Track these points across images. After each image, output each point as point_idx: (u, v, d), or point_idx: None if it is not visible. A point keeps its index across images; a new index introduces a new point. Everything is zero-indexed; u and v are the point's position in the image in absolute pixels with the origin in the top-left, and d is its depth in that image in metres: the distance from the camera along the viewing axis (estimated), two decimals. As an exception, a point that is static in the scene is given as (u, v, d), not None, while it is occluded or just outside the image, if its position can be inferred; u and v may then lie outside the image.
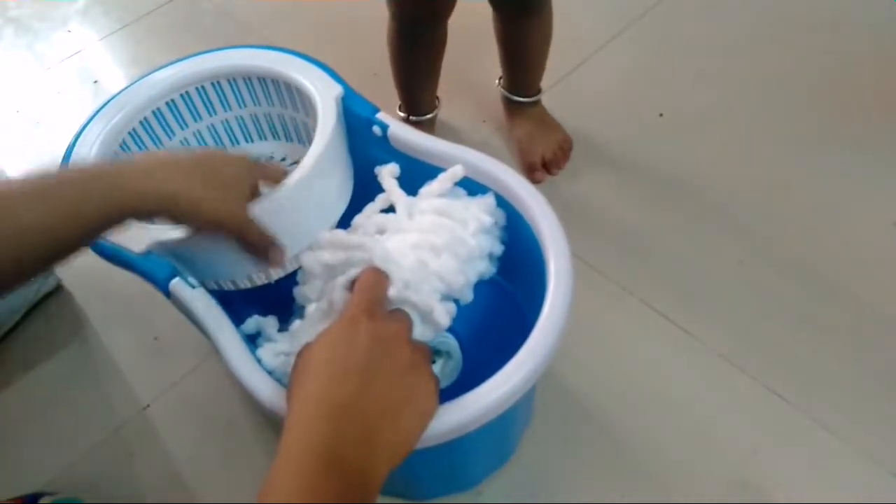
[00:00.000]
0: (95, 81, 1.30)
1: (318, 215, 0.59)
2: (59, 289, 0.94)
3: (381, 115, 0.63)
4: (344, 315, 0.42)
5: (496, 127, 1.05)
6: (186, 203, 0.46)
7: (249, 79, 0.70)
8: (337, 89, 0.64)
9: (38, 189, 0.41)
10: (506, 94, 1.00)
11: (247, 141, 0.77)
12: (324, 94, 0.63)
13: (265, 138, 0.77)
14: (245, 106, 0.73)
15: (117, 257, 0.55)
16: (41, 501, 0.66)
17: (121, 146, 0.65)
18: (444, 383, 0.62)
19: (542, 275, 0.52)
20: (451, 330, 0.64)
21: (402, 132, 0.62)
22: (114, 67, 1.34)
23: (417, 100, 0.99)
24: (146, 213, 0.45)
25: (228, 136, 0.76)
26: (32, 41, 1.43)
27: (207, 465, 0.76)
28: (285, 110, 0.73)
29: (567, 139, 1.00)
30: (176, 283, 0.53)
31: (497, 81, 1.02)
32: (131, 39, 1.39)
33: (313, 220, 0.58)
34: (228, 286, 0.60)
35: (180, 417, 0.80)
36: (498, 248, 0.57)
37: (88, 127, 0.65)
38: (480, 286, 0.54)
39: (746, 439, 0.72)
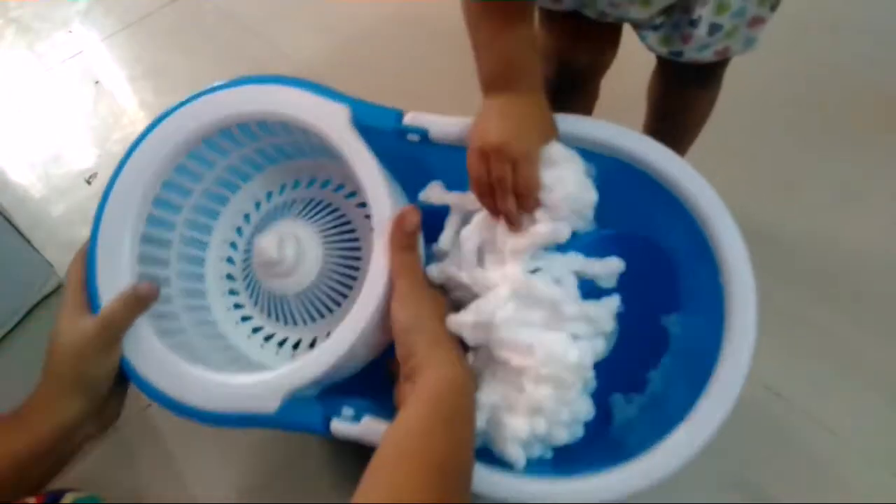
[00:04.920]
0: (97, 82, 1.31)
1: None
2: (60, 289, 0.94)
3: (409, 118, 0.55)
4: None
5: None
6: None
7: (246, 125, 0.59)
8: (343, 112, 0.54)
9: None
10: None
11: (272, 162, 0.65)
12: (332, 126, 0.54)
13: (287, 160, 0.66)
14: (257, 140, 0.62)
15: (255, 422, 0.51)
16: (63, 500, 0.66)
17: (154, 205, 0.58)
18: (606, 353, 0.55)
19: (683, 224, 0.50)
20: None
21: (446, 127, 0.54)
22: (115, 68, 1.34)
23: None
24: None
25: (251, 166, 0.65)
26: (33, 41, 1.43)
27: (207, 464, 0.76)
28: (294, 138, 0.62)
29: None
30: (337, 426, 0.50)
31: None
32: (133, 40, 1.39)
33: None
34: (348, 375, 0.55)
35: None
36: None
37: (111, 195, 0.57)
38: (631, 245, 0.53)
39: (746, 439, 0.72)
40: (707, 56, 0.66)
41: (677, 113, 0.81)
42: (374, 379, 0.54)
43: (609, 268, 0.52)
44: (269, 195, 0.66)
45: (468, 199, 0.53)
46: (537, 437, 0.47)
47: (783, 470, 0.70)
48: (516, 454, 0.46)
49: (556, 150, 0.51)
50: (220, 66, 1.29)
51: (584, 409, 0.49)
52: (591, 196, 0.52)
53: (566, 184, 0.50)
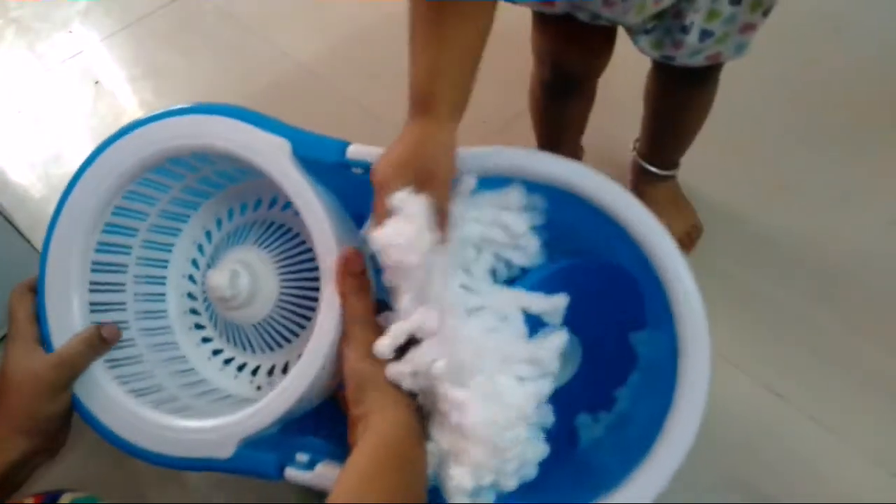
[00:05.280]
0: (96, 82, 1.31)
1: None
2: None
3: (353, 151, 0.52)
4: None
5: (498, 128, 1.04)
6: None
7: (183, 159, 0.56)
8: (284, 145, 0.51)
9: None
10: (641, 162, 0.89)
11: (219, 188, 0.62)
12: (271, 159, 0.51)
13: (236, 181, 0.63)
14: (197, 171, 0.59)
15: (209, 468, 0.50)
16: (61, 500, 0.66)
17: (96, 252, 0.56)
18: (566, 376, 0.56)
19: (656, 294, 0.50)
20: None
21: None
22: (115, 68, 1.34)
23: (561, 153, 0.89)
24: None
25: (197, 196, 0.62)
26: (33, 42, 1.43)
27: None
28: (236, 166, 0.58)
29: (698, 226, 0.89)
30: (291, 473, 0.49)
31: (632, 145, 0.92)
32: (132, 40, 1.39)
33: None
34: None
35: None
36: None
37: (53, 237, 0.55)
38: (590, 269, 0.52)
39: (746, 439, 0.72)
40: (698, 61, 0.67)
41: (674, 113, 0.81)
42: (331, 409, 0.53)
43: (554, 304, 0.51)
44: (219, 223, 0.63)
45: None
46: (483, 488, 0.45)
47: (783, 470, 0.70)
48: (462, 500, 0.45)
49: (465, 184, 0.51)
50: (220, 66, 1.29)
51: (534, 453, 0.48)
52: (518, 227, 0.51)
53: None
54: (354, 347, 0.47)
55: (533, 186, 0.53)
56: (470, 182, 0.51)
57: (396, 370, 0.47)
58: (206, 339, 0.62)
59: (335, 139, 0.52)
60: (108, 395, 0.52)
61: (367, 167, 0.50)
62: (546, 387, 0.49)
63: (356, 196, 0.52)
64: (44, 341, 0.53)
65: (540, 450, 0.48)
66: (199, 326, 0.63)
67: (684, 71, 0.69)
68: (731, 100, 1.04)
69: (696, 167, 0.95)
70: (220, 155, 0.53)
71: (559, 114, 0.85)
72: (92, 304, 0.55)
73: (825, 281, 0.84)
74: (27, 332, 0.52)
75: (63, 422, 0.53)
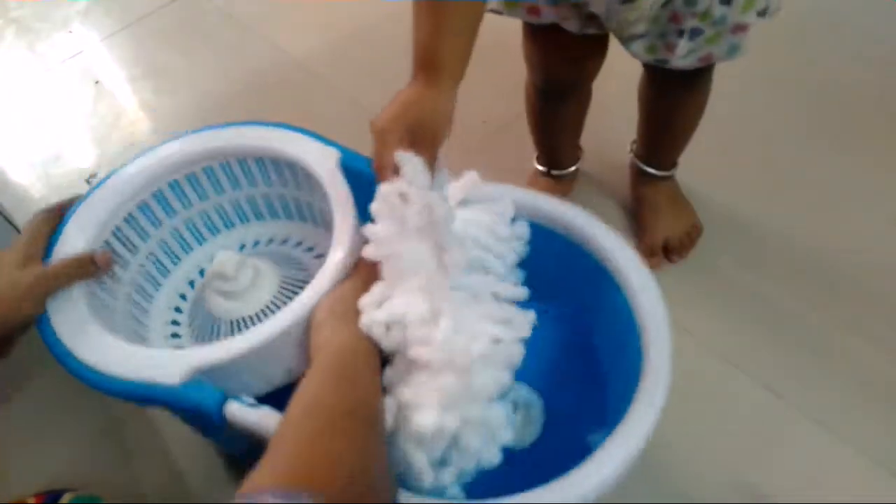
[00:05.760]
0: (97, 82, 1.31)
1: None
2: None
3: None
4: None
5: (498, 128, 1.05)
6: None
7: (244, 160, 0.64)
8: (333, 154, 0.59)
9: None
10: (638, 163, 0.89)
11: (243, 222, 0.70)
12: (322, 164, 0.59)
13: (264, 218, 0.70)
14: (240, 188, 0.67)
15: (152, 396, 0.48)
16: (62, 501, 0.66)
17: (114, 232, 0.60)
18: (531, 436, 0.57)
19: (614, 306, 0.51)
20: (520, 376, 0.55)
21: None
22: (115, 68, 1.34)
23: (559, 155, 0.91)
24: None
25: (222, 219, 0.69)
26: (33, 42, 1.43)
27: (208, 464, 0.76)
28: (286, 189, 0.67)
29: (697, 225, 0.89)
30: (233, 408, 0.47)
31: (629, 147, 0.92)
32: (133, 40, 1.39)
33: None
34: (261, 390, 0.54)
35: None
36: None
37: (79, 209, 0.59)
38: (547, 326, 0.53)
39: (746, 439, 0.72)
40: (691, 62, 0.67)
41: (668, 116, 0.81)
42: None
43: (521, 294, 0.53)
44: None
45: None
46: (445, 435, 0.44)
47: (783, 470, 0.70)
48: (420, 461, 0.44)
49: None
50: (220, 66, 1.29)
51: (497, 417, 0.47)
52: (502, 232, 0.54)
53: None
54: (333, 295, 0.50)
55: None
56: (474, 178, 0.55)
57: (370, 318, 0.48)
58: (175, 336, 0.64)
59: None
60: (77, 315, 0.52)
61: None
62: (517, 353, 0.49)
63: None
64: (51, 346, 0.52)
65: (501, 419, 0.48)
66: (174, 322, 0.65)
67: (676, 73, 0.69)
68: (730, 100, 1.04)
69: (695, 167, 0.95)
70: (281, 159, 0.62)
71: (554, 117, 0.86)
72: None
73: (825, 280, 0.84)
74: (33, 248, 0.54)
75: (19, 333, 0.53)
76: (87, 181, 1.11)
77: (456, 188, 0.55)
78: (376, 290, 0.49)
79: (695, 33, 0.63)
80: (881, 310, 0.80)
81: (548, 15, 0.67)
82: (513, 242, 0.55)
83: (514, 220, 0.56)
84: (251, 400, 0.49)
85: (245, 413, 0.47)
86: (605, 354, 0.60)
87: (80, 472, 0.77)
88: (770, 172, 0.96)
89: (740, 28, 0.63)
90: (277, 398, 0.49)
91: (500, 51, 0.99)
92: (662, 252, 0.87)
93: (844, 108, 1.02)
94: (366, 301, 0.49)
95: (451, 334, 0.45)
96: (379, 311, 0.48)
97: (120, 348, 0.51)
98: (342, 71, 1.21)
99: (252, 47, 1.31)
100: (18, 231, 0.90)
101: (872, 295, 0.82)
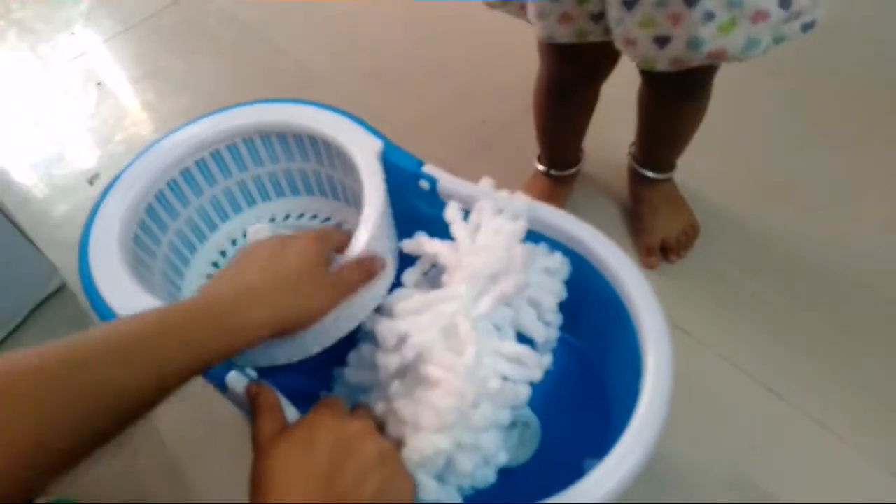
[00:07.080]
0: (99, 83, 1.31)
1: (371, 289, 0.53)
2: (62, 288, 0.95)
3: (427, 168, 0.59)
4: (305, 418, 0.42)
5: (498, 128, 1.05)
6: (300, 318, 0.44)
7: (284, 136, 0.66)
8: (376, 144, 0.60)
9: (130, 349, 0.38)
10: (637, 167, 0.89)
11: (279, 195, 0.72)
12: (364, 152, 0.59)
13: (298, 193, 0.73)
14: (278, 161, 0.69)
15: None
16: (37, 500, 0.66)
17: (147, 210, 0.61)
18: (525, 455, 0.58)
19: (624, 336, 0.51)
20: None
21: (452, 185, 0.58)
22: (117, 69, 1.35)
23: (563, 155, 0.92)
24: (256, 344, 0.42)
25: (260, 191, 0.71)
26: (36, 43, 1.44)
27: (208, 464, 0.77)
28: (321, 167, 0.68)
29: (695, 225, 0.89)
30: (233, 378, 0.48)
31: (628, 150, 0.92)
32: (135, 42, 1.40)
33: (366, 296, 0.53)
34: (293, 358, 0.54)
35: (182, 416, 0.81)
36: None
37: (114, 188, 0.60)
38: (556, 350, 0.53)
39: (746, 439, 0.72)
40: (699, 57, 0.61)
41: (666, 123, 0.81)
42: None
43: (547, 334, 0.54)
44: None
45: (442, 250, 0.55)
46: (440, 457, 0.44)
47: (783, 470, 0.70)
48: (422, 479, 0.44)
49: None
50: (222, 68, 1.30)
51: (491, 443, 0.47)
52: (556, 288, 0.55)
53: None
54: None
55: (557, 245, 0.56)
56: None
57: (388, 326, 0.48)
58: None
59: (415, 156, 0.61)
60: (118, 276, 0.54)
61: (433, 182, 0.58)
62: (522, 394, 0.49)
63: (401, 211, 0.60)
64: (101, 314, 0.52)
65: (495, 445, 0.48)
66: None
67: (676, 81, 0.67)
68: (729, 100, 1.05)
69: (693, 168, 0.95)
70: (325, 140, 0.63)
71: (562, 116, 0.86)
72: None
73: (824, 281, 0.84)
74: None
75: None
76: (90, 182, 1.11)
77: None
78: (416, 298, 0.51)
79: (708, 16, 0.58)
80: (881, 309, 0.80)
81: (568, 37, 0.66)
82: (560, 276, 0.55)
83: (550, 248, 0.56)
84: (252, 372, 0.50)
85: (236, 383, 0.49)
86: (612, 386, 0.59)
87: (80, 471, 0.77)
88: (768, 173, 0.96)
89: (761, 16, 0.58)
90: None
91: (501, 51, 0.99)
92: (660, 252, 0.87)
93: (844, 108, 1.02)
94: (405, 306, 0.50)
95: (474, 366, 0.46)
96: (396, 322, 0.48)
97: (143, 299, 0.52)
98: (342, 72, 1.22)
99: (253, 49, 1.32)
100: (21, 231, 0.90)
101: (872, 295, 0.82)
